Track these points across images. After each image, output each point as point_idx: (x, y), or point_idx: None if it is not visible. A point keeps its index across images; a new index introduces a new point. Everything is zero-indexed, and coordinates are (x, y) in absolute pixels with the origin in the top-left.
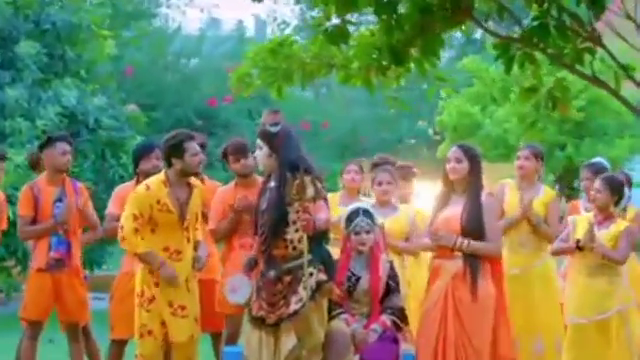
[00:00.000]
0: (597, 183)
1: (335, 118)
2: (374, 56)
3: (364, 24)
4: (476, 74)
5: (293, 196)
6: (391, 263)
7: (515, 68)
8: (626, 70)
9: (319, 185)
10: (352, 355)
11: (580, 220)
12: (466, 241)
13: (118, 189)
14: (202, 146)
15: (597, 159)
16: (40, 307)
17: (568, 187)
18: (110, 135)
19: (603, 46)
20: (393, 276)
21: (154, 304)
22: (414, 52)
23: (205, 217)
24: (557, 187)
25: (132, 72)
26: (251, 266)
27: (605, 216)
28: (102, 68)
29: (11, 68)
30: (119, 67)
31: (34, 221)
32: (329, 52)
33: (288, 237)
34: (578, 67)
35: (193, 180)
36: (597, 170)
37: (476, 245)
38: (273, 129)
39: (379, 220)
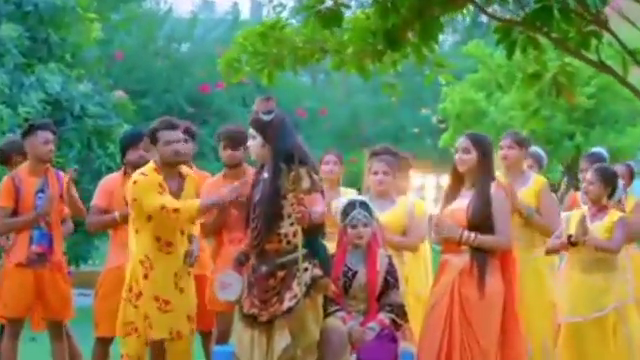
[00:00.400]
0: (589, 174)
1: (334, 105)
2: (369, 41)
3: (359, 7)
4: (480, 59)
5: (288, 187)
6: (389, 258)
7: (517, 53)
8: (634, 56)
9: (315, 177)
10: (348, 355)
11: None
12: (473, 234)
13: (104, 181)
14: (189, 133)
15: (597, 149)
16: (21, 304)
17: (577, 178)
18: (96, 123)
19: (609, 30)
20: (392, 271)
21: (141, 300)
22: (411, 37)
23: None
24: (565, 178)
25: (120, 57)
26: (241, 262)
27: (599, 208)
28: (88, 53)
29: None
30: (106, 52)
31: (15, 213)
32: (322, 36)
33: (282, 231)
34: (584, 52)
35: (185, 169)
36: (596, 161)
37: (484, 239)
38: (266, 117)
39: (376, 213)
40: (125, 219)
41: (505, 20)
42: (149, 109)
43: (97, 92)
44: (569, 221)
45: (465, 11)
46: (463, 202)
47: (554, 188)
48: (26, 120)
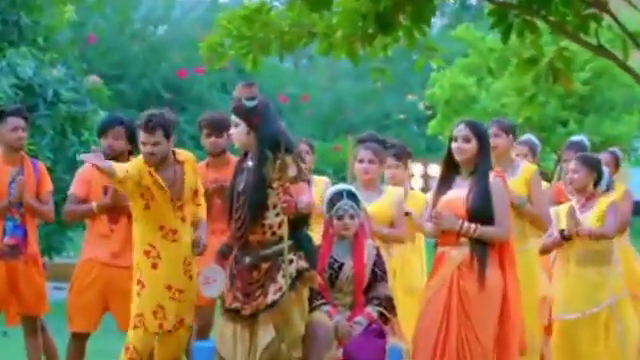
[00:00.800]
0: (572, 163)
1: (317, 91)
2: (359, 24)
3: None
4: (470, 43)
5: (274, 176)
6: (377, 249)
7: (513, 37)
8: (635, 39)
9: (302, 165)
10: (335, 350)
11: (562, 210)
12: (473, 225)
13: (82, 169)
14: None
15: (578, 137)
16: None
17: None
18: (70, 109)
19: (610, 13)
20: (380, 263)
21: (146, 290)
22: (403, 20)
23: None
24: (559, 167)
25: (95, 40)
26: (224, 254)
27: (587, 198)
28: (61, 36)
29: None
30: (80, 35)
31: None
32: (310, 19)
33: (267, 222)
34: (582, 36)
35: (183, 154)
36: (579, 150)
37: (485, 230)
38: (250, 104)
39: (363, 203)
40: (102, 210)
41: (500, 3)
42: (124, 95)
43: (71, 77)
44: (558, 216)
45: None
46: (460, 192)
47: (547, 177)
48: None
